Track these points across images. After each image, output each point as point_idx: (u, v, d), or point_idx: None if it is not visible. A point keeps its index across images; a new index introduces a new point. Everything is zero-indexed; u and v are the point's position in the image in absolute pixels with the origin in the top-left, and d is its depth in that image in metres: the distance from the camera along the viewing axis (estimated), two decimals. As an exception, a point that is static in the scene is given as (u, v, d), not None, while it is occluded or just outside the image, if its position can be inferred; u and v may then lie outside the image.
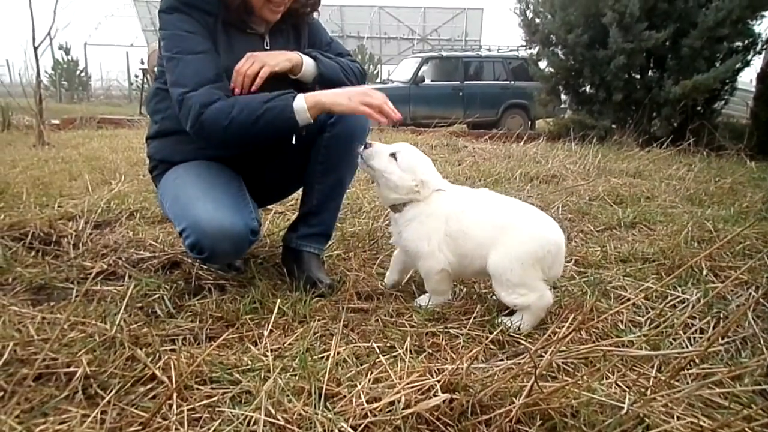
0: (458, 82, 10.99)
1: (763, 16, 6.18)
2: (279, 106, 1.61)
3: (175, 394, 1.14)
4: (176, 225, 1.69)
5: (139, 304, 1.64)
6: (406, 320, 1.60)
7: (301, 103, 1.62)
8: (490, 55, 12.09)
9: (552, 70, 7.24)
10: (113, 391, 1.16)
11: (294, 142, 1.76)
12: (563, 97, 7.71)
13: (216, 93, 1.63)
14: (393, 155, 1.69)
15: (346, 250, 2.21)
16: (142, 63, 11.18)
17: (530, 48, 7.85)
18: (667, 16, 6.14)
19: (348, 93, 1.66)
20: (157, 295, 1.69)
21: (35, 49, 5.49)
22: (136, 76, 17.57)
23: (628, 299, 1.73)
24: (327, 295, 1.75)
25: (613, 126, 6.70)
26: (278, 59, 1.71)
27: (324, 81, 1.78)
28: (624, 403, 1.08)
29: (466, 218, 1.63)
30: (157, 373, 1.24)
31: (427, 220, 1.67)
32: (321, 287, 1.77)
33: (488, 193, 1.74)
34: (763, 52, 6.39)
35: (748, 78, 7.64)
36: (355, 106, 1.63)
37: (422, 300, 1.72)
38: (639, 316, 1.66)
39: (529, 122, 10.96)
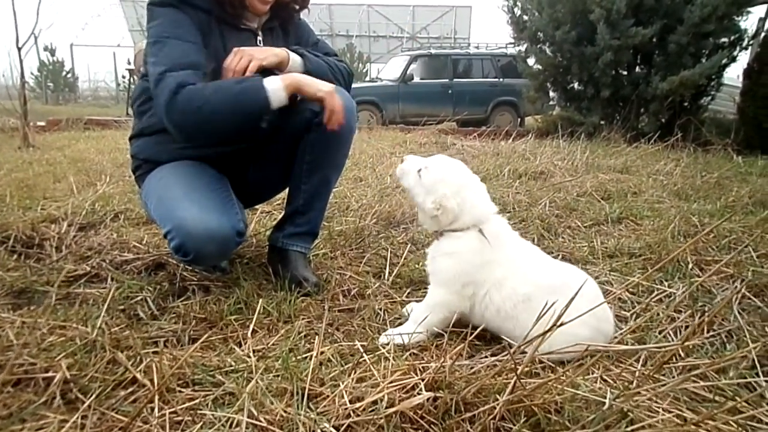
0: (447, 80, 10.99)
1: (748, 12, 6.24)
2: (251, 86, 1.60)
3: (156, 397, 1.12)
4: (161, 227, 1.66)
5: (122, 307, 1.61)
6: (392, 319, 1.59)
7: (276, 82, 1.62)
8: (479, 52, 12.12)
9: (540, 67, 7.26)
10: (93, 396, 1.13)
11: (264, 125, 1.77)
12: (551, 93, 7.74)
13: (196, 78, 1.59)
14: (419, 172, 1.46)
15: (332, 249, 2.20)
16: (129, 63, 11.11)
17: (518, 45, 7.89)
18: (653, 12, 6.18)
19: (322, 84, 1.69)
20: (139, 297, 1.67)
21: (19, 49, 5.42)
22: (123, 77, 17.47)
23: (614, 294, 1.73)
24: (313, 294, 1.74)
25: (601, 122, 6.73)
26: (266, 53, 1.69)
27: None
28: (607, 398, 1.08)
29: (520, 289, 1.37)
30: (139, 376, 1.22)
31: (473, 270, 1.41)
32: (307, 286, 1.75)
33: (570, 274, 1.43)
34: (749, 48, 6.44)
35: (734, 74, 7.72)
36: (317, 95, 1.67)
37: (386, 336, 1.43)
38: (625, 310, 1.66)
39: (518, 119, 10.99)
